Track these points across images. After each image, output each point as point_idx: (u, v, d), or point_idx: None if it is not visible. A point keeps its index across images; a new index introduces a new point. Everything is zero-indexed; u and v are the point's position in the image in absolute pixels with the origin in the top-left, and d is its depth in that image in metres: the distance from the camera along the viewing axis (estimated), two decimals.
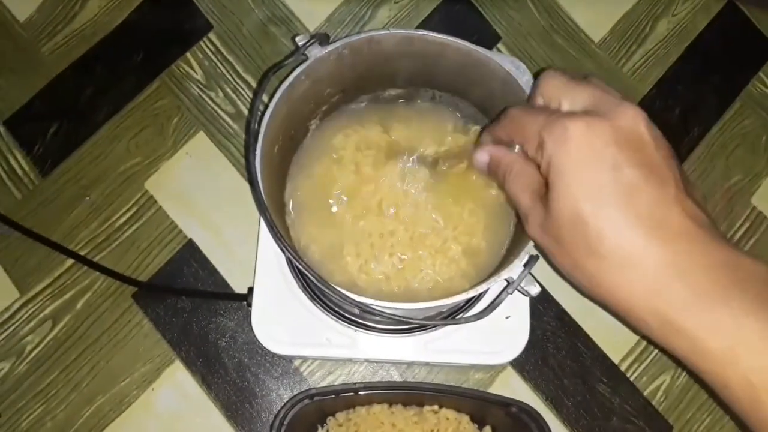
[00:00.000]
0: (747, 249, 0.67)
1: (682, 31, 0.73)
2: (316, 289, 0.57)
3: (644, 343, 0.64)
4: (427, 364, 0.61)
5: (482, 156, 0.43)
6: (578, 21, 0.73)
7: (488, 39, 0.71)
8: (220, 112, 0.69)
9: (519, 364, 0.63)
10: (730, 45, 0.73)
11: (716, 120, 0.70)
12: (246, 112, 0.69)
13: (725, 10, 0.74)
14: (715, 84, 0.72)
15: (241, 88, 0.69)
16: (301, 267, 0.42)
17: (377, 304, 0.42)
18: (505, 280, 0.43)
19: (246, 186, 0.66)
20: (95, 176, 0.67)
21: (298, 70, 0.47)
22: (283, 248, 0.43)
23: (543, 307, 0.64)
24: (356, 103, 0.56)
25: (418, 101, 0.56)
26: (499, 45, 0.72)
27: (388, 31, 0.48)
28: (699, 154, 0.69)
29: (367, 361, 0.62)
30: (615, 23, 0.73)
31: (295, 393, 0.62)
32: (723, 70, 0.72)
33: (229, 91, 0.69)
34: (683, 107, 0.71)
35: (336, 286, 0.42)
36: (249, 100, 0.69)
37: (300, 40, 0.47)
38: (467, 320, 0.43)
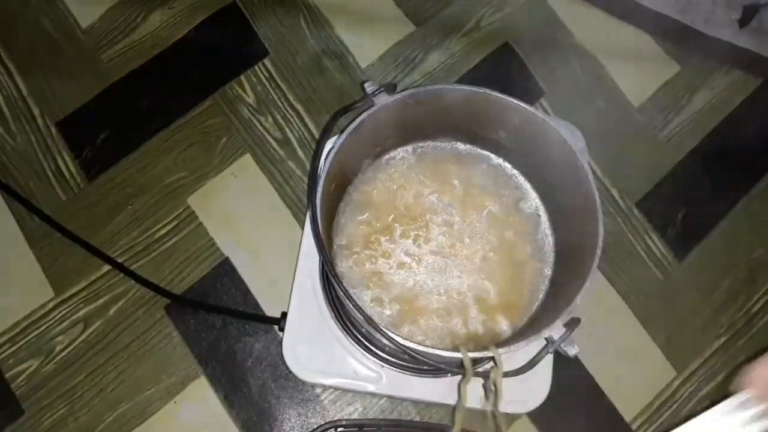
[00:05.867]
0: (765, 320, 0.69)
1: (718, 104, 0.75)
2: (348, 320, 0.59)
3: (656, 404, 0.65)
4: (448, 406, 0.62)
5: None
6: (620, 84, 0.75)
7: (533, 93, 0.74)
8: (268, 137, 0.71)
9: (534, 414, 0.64)
10: (765, 122, 0.75)
11: (745, 193, 0.73)
12: (293, 139, 0.71)
13: (762, 88, 0.76)
14: (747, 158, 0.74)
15: (291, 115, 0.71)
16: (351, 307, 0.44)
17: (420, 348, 0.44)
18: (545, 339, 0.45)
19: (286, 211, 0.68)
20: (140, 186, 0.68)
21: (364, 114, 0.49)
22: (338, 284, 0.44)
23: (562, 360, 0.65)
24: (408, 146, 0.58)
25: (471, 153, 0.58)
26: (542, 100, 0.74)
27: (452, 86, 0.50)
28: (726, 225, 0.71)
29: (389, 397, 0.63)
30: (656, 90, 0.75)
31: (312, 419, 0.63)
32: (755, 145, 0.74)
33: (278, 117, 0.71)
34: (714, 178, 0.73)
35: (385, 329, 0.43)
36: (297, 128, 0.71)
37: (368, 87, 0.49)
38: (506, 375, 0.45)
